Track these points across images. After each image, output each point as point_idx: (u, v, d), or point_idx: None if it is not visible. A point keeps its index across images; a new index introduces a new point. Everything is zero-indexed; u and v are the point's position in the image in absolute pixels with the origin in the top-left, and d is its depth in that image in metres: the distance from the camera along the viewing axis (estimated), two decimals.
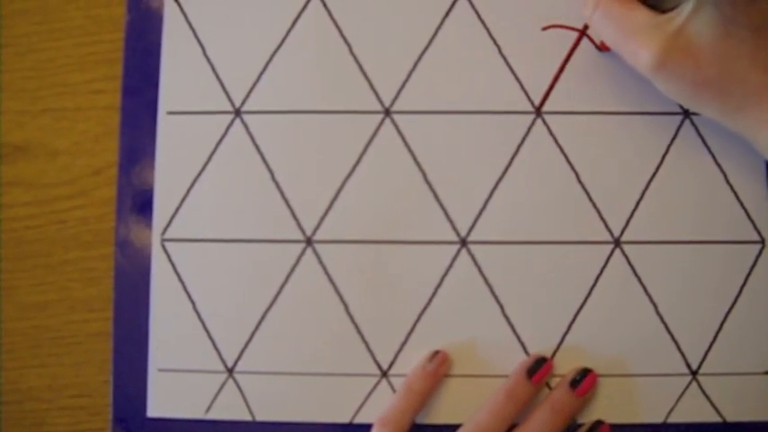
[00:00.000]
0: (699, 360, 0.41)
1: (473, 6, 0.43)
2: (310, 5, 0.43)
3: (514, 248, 0.42)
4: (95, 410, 0.42)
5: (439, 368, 0.40)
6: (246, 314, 0.42)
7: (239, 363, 0.41)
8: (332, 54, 0.43)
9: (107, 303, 0.42)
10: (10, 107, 0.44)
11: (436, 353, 0.40)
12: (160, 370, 0.41)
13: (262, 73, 0.43)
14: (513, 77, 0.43)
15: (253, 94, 0.43)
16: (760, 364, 0.41)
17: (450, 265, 0.41)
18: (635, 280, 0.41)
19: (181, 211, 0.42)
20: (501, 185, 0.42)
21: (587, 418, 0.40)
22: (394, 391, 0.41)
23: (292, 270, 0.42)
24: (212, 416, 0.41)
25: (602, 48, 0.42)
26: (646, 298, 0.41)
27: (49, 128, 0.44)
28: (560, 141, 0.42)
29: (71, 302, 0.43)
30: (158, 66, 0.43)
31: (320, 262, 0.42)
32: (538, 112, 0.43)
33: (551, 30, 0.43)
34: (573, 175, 0.42)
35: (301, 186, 0.42)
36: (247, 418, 0.41)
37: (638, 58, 0.38)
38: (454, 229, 0.42)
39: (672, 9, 0.37)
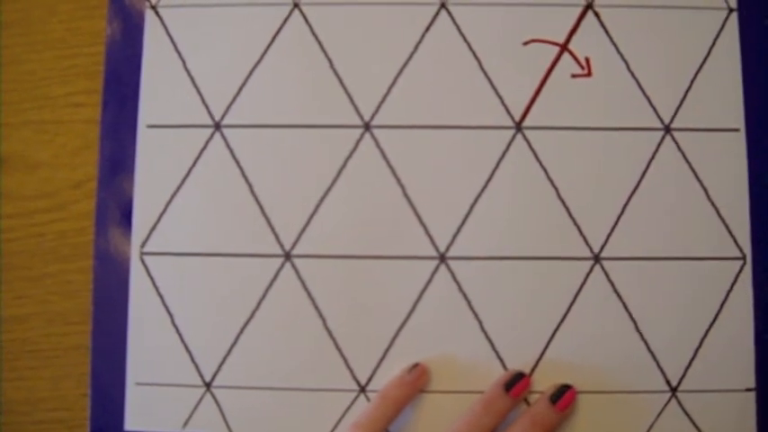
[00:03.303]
0: (679, 377, 0.42)
1: (454, 21, 0.45)
2: (291, 20, 0.45)
3: (494, 264, 0.43)
4: (73, 424, 0.44)
5: (417, 380, 0.42)
6: (225, 328, 0.43)
7: (217, 377, 0.43)
8: (312, 68, 0.44)
9: (86, 317, 0.43)
10: None
11: (416, 365, 0.42)
12: (138, 384, 0.43)
13: (242, 87, 0.44)
14: (493, 92, 0.44)
15: (233, 108, 0.44)
16: (740, 382, 0.42)
17: (429, 281, 0.43)
18: (615, 296, 0.43)
19: (160, 224, 0.44)
20: (480, 201, 0.43)
21: None
22: None
23: (271, 284, 0.43)
24: (190, 430, 0.42)
25: (582, 65, 0.44)
26: (625, 314, 0.43)
27: (29, 140, 0.45)
28: (540, 157, 0.44)
29: (50, 315, 0.44)
30: (138, 79, 0.45)
31: (299, 277, 0.43)
32: (518, 127, 0.44)
33: (532, 44, 0.44)
34: (553, 191, 0.43)
35: (280, 201, 0.43)
36: None
37: None
38: (433, 244, 0.43)
39: None
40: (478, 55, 0.44)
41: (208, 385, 0.43)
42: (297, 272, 0.43)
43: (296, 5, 0.45)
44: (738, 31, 0.45)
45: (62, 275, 0.45)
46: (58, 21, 0.46)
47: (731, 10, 0.45)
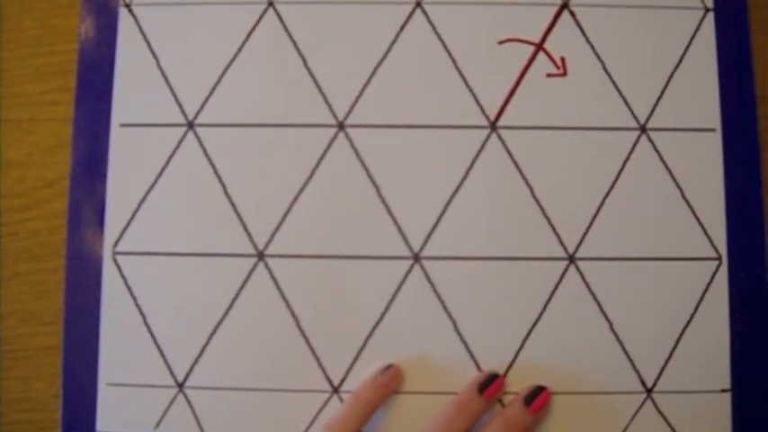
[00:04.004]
0: (654, 378, 0.43)
1: (429, 20, 0.45)
2: (265, 19, 0.45)
3: (468, 264, 0.43)
4: (45, 425, 0.44)
5: (390, 381, 0.42)
6: (197, 328, 0.43)
7: (190, 377, 0.43)
8: (286, 67, 0.45)
9: (58, 317, 0.44)
10: None
11: (389, 366, 0.42)
12: (110, 384, 0.43)
13: (215, 86, 0.45)
14: (468, 92, 0.44)
15: (206, 107, 0.44)
16: (716, 382, 0.43)
17: (403, 281, 0.43)
18: (590, 297, 0.43)
19: (132, 223, 0.44)
20: (455, 201, 0.44)
21: None
22: None
23: (244, 284, 0.43)
24: (162, 431, 0.43)
25: (558, 64, 0.44)
26: (600, 315, 0.43)
27: (2, 139, 0.46)
28: (515, 156, 0.44)
29: (21, 315, 0.44)
30: (112, 77, 0.45)
31: (272, 276, 0.43)
32: (493, 126, 0.44)
33: (507, 44, 0.45)
34: (528, 191, 0.44)
35: (254, 200, 0.44)
36: None
37: None
38: (407, 244, 0.43)
39: None
40: (453, 54, 0.45)
41: (180, 386, 0.43)
42: (270, 272, 0.43)
43: (270, 4, 0.45)
44: (714, 31, 0.45)
45: (34, 275, 0.45)
46: (32, 19, 0.46)
47: (707, 10, 0.45)
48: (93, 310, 0.43)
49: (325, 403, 0.43)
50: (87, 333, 0.43)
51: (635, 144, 0.44)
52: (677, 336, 0.43)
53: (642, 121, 0.44)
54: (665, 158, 0.44)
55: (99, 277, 0.44)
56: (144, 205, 0.44)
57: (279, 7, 0.45)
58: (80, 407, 0.43)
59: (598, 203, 0.44)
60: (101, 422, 0.43)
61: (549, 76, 0.44)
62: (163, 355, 0.43)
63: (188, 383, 0.43)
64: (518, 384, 0.43)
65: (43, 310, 0.44)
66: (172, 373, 0.43)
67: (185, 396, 0.43)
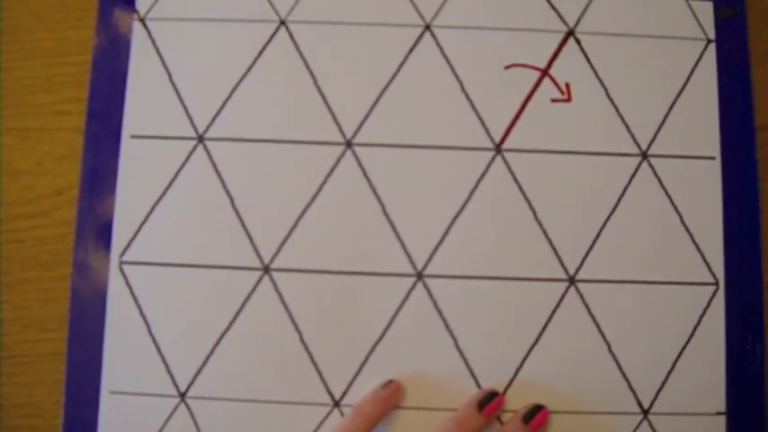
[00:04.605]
0: (650, 399, 0.43)
1: (437, 43, 0.46)
2: (277, 37, 0.46)
3: (470, 283, 0.44)
4: (46, 431, 0.44)
5: (391, 396, 0.42)
6: (201, 339, 0.44)
7: (192, 388, 0.43)
8: (296, 85, 0.46)
9: (62, 324, 0.44)
10: None
11: (390, 381, 0.43)
12: (112, 392, 0.43)
13: (226, 101, 0.46)
14: (474, 114, 0.46)
15: (216, 122, 0.45)
16: (711, 405, 0.43)
17: (406, 298, 0.44)
18: (589, 318, 0.44)
19: (140, 234, 0.45)
20: (459, 220, 0.45)
21: None
22: None
23: (248, 297, 0.44)
24: None
25: (563, 90, 0.45)
26: (599, 336, 0.44)
27: (12, 147, 0.46)
28: (519, 179, 0.45)
29: (26, 321, 0.45)
30: (124, 90, 0.46)
31: (276, 290, 0.44)
32: (498, 149, 0.45)
33: (514, 69, 0.46)
34: (530, 213, 0.45)
35: (261, 214, 0.45)
36: None
37: None
38: (411, 262, 0.44)
39: None
40: (461, 77, 0.46)
41: (182, 396, 0.43)
42: (275, 285, 0.44)
43: (282, 23, 0.46)
44: (716, 61, 0.47)
45: (41, 282, 0.45)
46: (47, 30, 0.47)
47: (709, 41, 0.47)
48: (98, 318, 0.44)
49: (326, 416, 0.43)
50: (91, 341, 0.44)
51: (636, 170, 0.45)
52: (674, 358, 0.44)
53: (644, 147, 0.45)
54: (665, 184, 0.45)
55: (105, 286, 0.44)
56: (152, 216, 0.45)
57: (291, 26, 0.46)
58: (82, 414, 0.43)
59: (599, 227, 0.45)
60: (102, 430, 0.43)
61: (553, 101, 0.46)
62: (166, 365, 0.44)
63: (190, 393, 0.43)
64: (517, 402, 0.43)
65: (48, 317, 0.45)
66: (174, 383, 0.44)
67: (187, 406, 0.43)
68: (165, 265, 0.44)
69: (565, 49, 0.46)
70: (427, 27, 0.46)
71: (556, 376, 0.44)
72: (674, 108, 0.46)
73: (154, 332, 0.44)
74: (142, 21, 0.47)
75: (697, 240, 0.45)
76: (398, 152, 0.45)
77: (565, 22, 0.47)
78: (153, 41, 0.46)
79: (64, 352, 0.44)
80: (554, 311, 0.44)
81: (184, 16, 0.47)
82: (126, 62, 0.46)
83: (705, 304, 0.44)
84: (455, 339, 0.44)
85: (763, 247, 0.45)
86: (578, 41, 0.46)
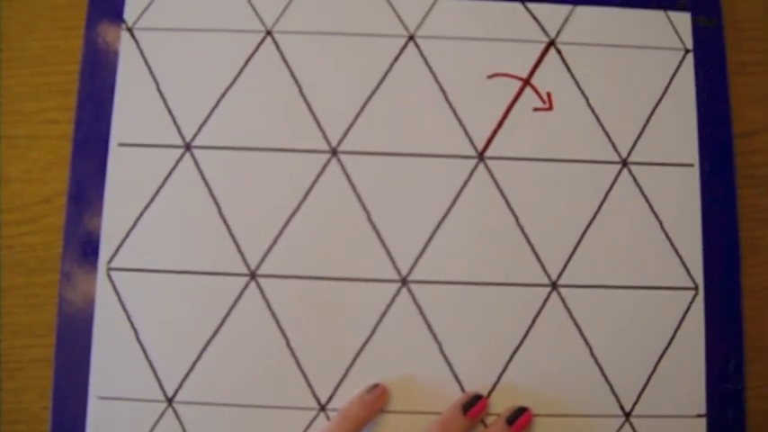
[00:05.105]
0: (632, 402, 0.44)
1: (421, 53, 0.47)
2: (263, 47, 0.47)
3: (454, 288, 0.45)
4: None
5: (377, 400, 0.43)
6: (188, 345, 0.44)
7: (179, 393, 0.44)
8: (282, 94, 0.47)
9: (51, 330, 0.45)
10: None
11: (376, 385, 0.44)
12: (100, 397, 0.44)
13: (213, 109, 0.46)
14: (457, 122, 0.47)
15: (203, 130, 0.46)
16: (692, 408, 0.44)
17: (391, 303, 0.45)
18: (571, 323, 0.45)
19: (128, 241, 0.45)
20: (443, 227, 0.46)
21: None
22: None
23: (235, 303, 0.45)
24: None
25: (544, 99, 0.47)
26: (581, 340, 0.45)
27: (1, 155, 0.47)
28: (501, 186, 0.46)
29: (15, 328, 0.46)
30: (112, 98, 0.47)
31: (263, 296, 0.45)
32: (481, 156, 0.46)
33: (496, 78, 0.47)
34: (513, 219, 0.46)
35: (247, 221, 0.45)
36: None
37: None
38: (395, 267, 0.45)
39: None
40: (444, 86, 0.47)
41: (170, 401, 0.44)
42: (261, 291, 0.45)
43: (268, 33, 0.47)
44: (694, 71, 0.48)
45: (29, 288, 0.46)
46: (35, 39, 0.48)
47: (687, 51, 0.48)
48: (86, 324, 0.45)
49: (313, 420, 0.44)
50: (79, 346, 0.44)
51: (616, 177, 0.46)
52: (655, 362, 0.45)
53: (624, 155, 0.47)
54: (645, 191, 0.46)
55: (93, 292, 0.45)
56: (139, 223, 0.45)
57: (277, 36, 0.47)
58: (69, 419, 0.44)
59: (580, 233, 0.46)
60: None
61: (535, 110, 0.47)
62: (153, 370, 0.44)
63: (177, 398, 0.44)
64: (501, 406, 0.44)
65: (37, 323, 0.46)
66: (162, 388, 0.44)
67: (174, 411, 0.44)
68: (153, 272, 0.45)
69: (546, 58, 0.47)
70: (411, 37, 0.47)
71: (539, 380, 0.44)
72: (654, 116, 0.47)
73: (141, 338, 0.45)
74: (130, 30, 0.47)
75: (676, 246, 0.46)
76: (383, 160, 0.46)
77: (546, 33, 0.48)
78: (141, 51, 0.47)
79: (52, 358, 0.44)
80: (536, 316, 0.45)
81: (172, 26, 0.47)
82: (114, 71, 0.47)
83: (685, 308, 0.45)
84: (439, 344, 0.45)
85: (741, 251, 0.46)
86: (559, 51, 0.48)
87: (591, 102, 0.47)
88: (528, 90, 0.47)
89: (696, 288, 0.46)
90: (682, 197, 0.46)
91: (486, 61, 0.47)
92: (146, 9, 0.48)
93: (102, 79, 0.47)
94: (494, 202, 0.46)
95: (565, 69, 0.47)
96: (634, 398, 0.44)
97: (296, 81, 0.47)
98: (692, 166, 0.47)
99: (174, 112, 0.47)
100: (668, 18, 0.48)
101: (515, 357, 0.45)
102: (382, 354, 0.44)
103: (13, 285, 0.46)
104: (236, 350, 0.44)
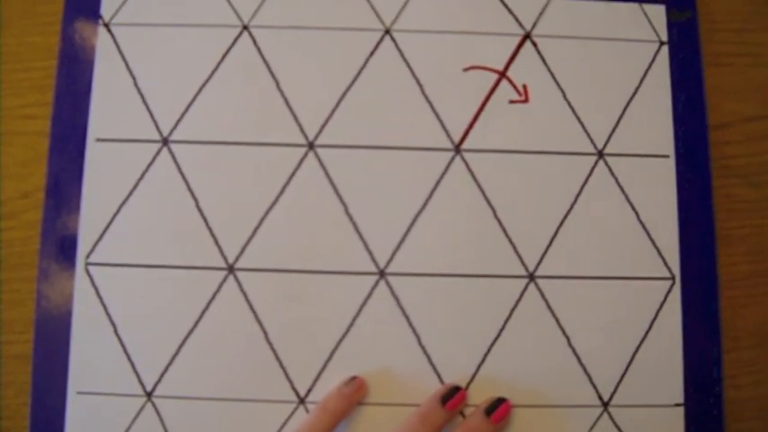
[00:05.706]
0: (610, 392, 0.45)
1: (397, 47, 0.48)
2: (240, 41, 0.48)
3: (432, 280, 0.45)
4: None
5: (355, 392, 0.44)
6: (167, 339, 0.45)
7: (158, 387, 0.44)
8: (259, 88, 0.47)
9: (29, 326, 0.45)
10: None
11: (354, 378, 0.44)
12: (79, 393, 0.44)
13: (190, 104, 0.47)
14: (434, 115, 0.47)
15: (181, 125, 0.47)
16: (670, 397, 0.45)
17: (369, 296, 0.45)
18: (549, 313, 0.45)
19: (106, 235, 0.46)
20: (420, 219, 0.46)
21: None
22: None
23: (213, 297, 0.45)
24: None
25: (520, 91, 0.47)
26: (559, 331, 0.45)
27: None
28: (478, 178, 0.47)
29: None
30: (89, 94, 0.47)
31: (241, 289, 0.45)
32: (457, 149, 0.47)
33: (472, 71, 0.48)
34: (490, 211, 0.46)
35: (225, 215, 0.46)
36: None
37: None
38: (373, 260, 0.46)
39: None
40: (420, 79, 0.47)
41: (149, 395, 0.44)
42: (240, 285, 0.45)
43: (245, 28, 0.48)
44: (669, 63, 0.48)
45: (7, 284, 0.46)
46: (12, 35, 0.48)
47: (662, 43, 0.49)
48: (65, 319, 0.45)
49: (292, 414, 0.44)
50: (57, 342, 0.45)
51: (593, 168, 0.47)
52: (632, 352, 0.45)
53: (600, 146, 0.47)
54: (621, 182, 0.47)
55: (71, 287, 0.45)
56: (117, 218, 0.46)
57: (253, 31, 0.48)
58: (48, 415, 0.44)
59: (557, 224, 0.46)
60: (69, 430, 0.44)
61: (511, 102, 0.47)
62: (132, 365, 0.45)
63: (156, 393, 0.44)
64: (479, 397, 0.45)
65: (15, 319, 0.46)
66: (141, 382, 0.44)
67: (154, 405, 0.44)
68: (131, 266, 0.45)
69: (522, 51, 0.48)
70: (387, 31, 0.48)
71: (517, 371, 0.45)
72: (629, 108, 0.48)
73: (120, 332, 0.45)
74: (107, 26, 0.48)
75: (653, 236, 0.47)
76: (360, 153, 0.47)
77: (521, 26, 0.48)
78: (118, 46, 0.48)
79: (31, 354, 0.45)
80: (514, 307, 0.45)
81: (149, 21, 0.48)
82: (91, 66, 0.47)
83: (662, 298, 0.46)
84: (418, 336, 0.45)
85: (716, 242, 0.47)
86: (535, 44, 0.48)
87: (567, 94, 0.48)
88: (504, 83, 0.47)
89: (673, 278, 0.46)
90: (658, 188, 0.47)
91: (462, 54, 0.48)
92: (122, 4, 0.48)
93: (80, 75, 0.47)
94: (471, 194, 0.46)
95: (540, 62, 0.48)
96: (612, 388, 0.45)
97: (273, 75, 0.47)
98: (667, 157, 0.47)
99: (152, 107, 0.47)
100: (643, 10, 0.49)
101: (493, 349, 0.45)
102: (361, 346, 0.45)
103: None
104: (214, 344, 0.45)
